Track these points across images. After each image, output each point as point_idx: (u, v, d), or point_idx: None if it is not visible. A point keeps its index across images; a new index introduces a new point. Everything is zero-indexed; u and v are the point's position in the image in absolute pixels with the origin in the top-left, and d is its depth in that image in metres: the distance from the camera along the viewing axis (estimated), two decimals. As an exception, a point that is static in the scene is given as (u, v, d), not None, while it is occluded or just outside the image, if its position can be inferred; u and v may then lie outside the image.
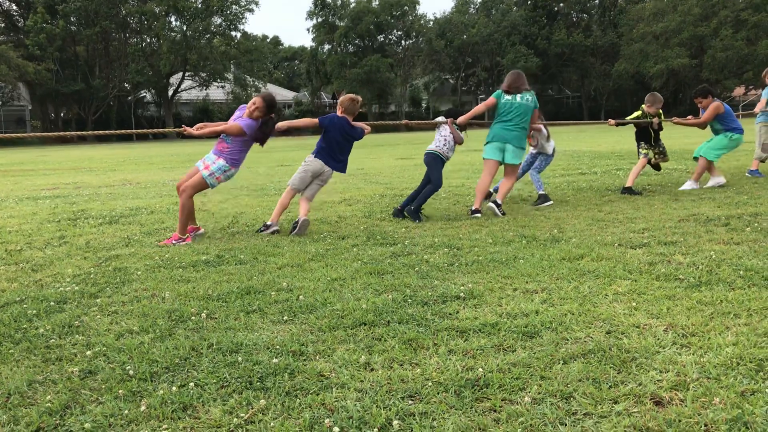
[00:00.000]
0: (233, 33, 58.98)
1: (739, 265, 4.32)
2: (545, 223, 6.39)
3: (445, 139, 7.46)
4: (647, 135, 8.85)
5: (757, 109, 10.22)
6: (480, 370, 2.78)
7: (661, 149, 8.92)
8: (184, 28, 56.37)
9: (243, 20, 59.21)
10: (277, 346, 3.15)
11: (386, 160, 17.28)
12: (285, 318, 3.60)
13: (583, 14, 69.15)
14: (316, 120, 6.71)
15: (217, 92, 61.22)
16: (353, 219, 7.16)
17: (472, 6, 69.46)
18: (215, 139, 6.43)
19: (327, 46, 65.93)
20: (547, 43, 63.76)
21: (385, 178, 11.82)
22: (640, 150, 8.88)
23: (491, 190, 8.01)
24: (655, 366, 2.77)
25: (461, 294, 3.92)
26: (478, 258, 4.89)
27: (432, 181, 7.32)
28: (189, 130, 6.30)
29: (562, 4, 67.11)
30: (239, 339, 3.26)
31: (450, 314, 3.57)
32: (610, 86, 64.57)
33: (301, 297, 3.96)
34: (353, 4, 63.44)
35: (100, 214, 8.10)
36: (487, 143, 7.43)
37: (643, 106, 8.83)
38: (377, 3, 63.49)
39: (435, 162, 7.42)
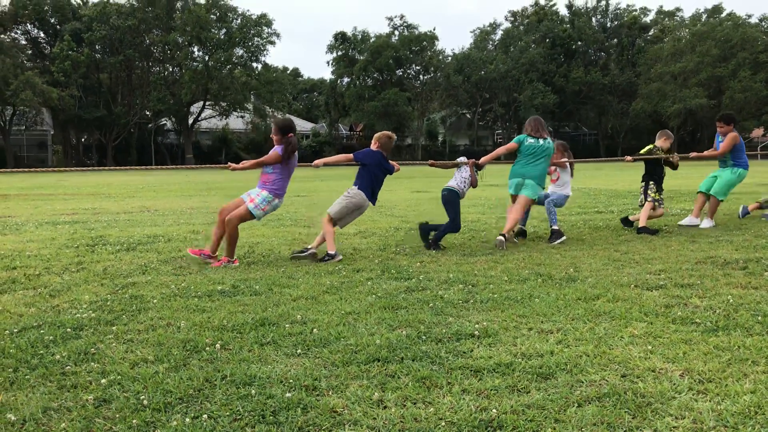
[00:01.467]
0: (254, 64, 59.91)
1: (757, 311, 4.28)
2: (561, 262, 6.37)
3: (465, 181, 7.68)
4: (659, 174, 8.78)
5: None
6: (494, 411, 2.76)
7: (660, 198, 8.83)
8: (206, 59, 57.36)
9: (264, 52, 60.10)
10: (291, 380, 3.15)
11: (402, 193, 17.33)
12: (299, 351, 3.60)
13: (601, 53, 69.62)
14: (351, 155, 7.05)
15: (236, 122, 61.97)
16: (368, 252, 7.18)
17: (490, 43, 70.18)
18: (247, 172, 6.81)
19: (346, 79, 66.78)
20: (565, 81, 64.12)
21: (401, 211, 11.85)
22: (649, 192, 8.70)
23: (521, 226, 8.23)
24: (671, 412, 2.74)
25: (476, 332, 3.91)
26: (493, 296, 4.88)
27: (451, 219, 7.50)
28: (234, 165, 6.82)
29: (580, 43, 67.59)
30: (253, 371, 3.27)
31: (464, 353, 3.56)
32: (628, 125, 64.70)
33: (315, 330, 3.97)
34: (373, 39, 64.32)
35: (118, 240, 8.18)
36: (510, 179, 7.84)
37: (655, 143, 8.87)
38: (396, 38, 64.33)
39: (454, 198, 7.59)
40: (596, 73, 64.31)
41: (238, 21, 58.12)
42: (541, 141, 7.66)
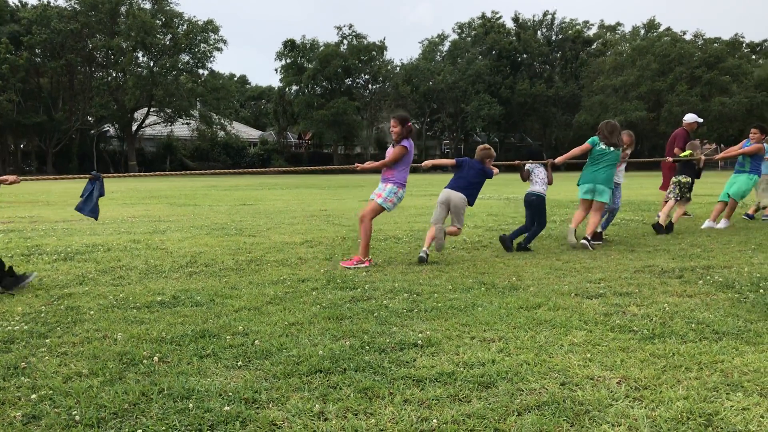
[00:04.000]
0: (200, 70, 59.08)
1: (691, 318, 4.40)
2: (504, 271, 6.44)
3: (543, 182, 8.33)
4: (692, 172, 9.90)
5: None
6: (435, 421, 2.76)
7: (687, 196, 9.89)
8: (151, 64, 56.32)
9: (211, 58, 59.20)
10: (230, 393, 3.09)
11: (350, 202, 17.32)
12: (239, 363, 3.54)
13: (546, 65, 71.06)
14: (454, 161, 7.77)
15: (181, 129, 60.98)
16: (314, 261, 7.13)
17: (438, 54, 70.88)
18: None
19: (295, 87, 66.43)
20: (511, 92, 65.24)
21: (348, 220, 11.82)
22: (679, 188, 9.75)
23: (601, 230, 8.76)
24: (608, 419, 2.78)
25: (419, 341, 3.91)
26: (437, 305, 4.90)
27: (539, 223, 8.20)
28: (362, 165, 7.33)
29: (525, 55, 68.87)
30: (191, 384, 3.19)
31: (407, 362, 3.55)
32: (571, 136, 66.07)
33: (257, 342, 3.91)
34: (322, 47, 64.22)
35: (55, 250, 7.93)
36: (580, 184, 8.45)
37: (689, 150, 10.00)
38: (345, 47, 64.39)
39: (541, 203, 8.25)
40: (541, 85, 65.61)
41: (184, 27, 57.24)
42: (611, 148, 8.21)
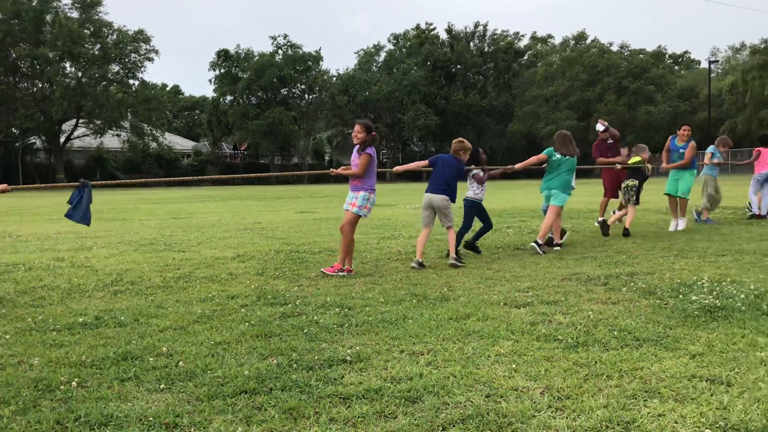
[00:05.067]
0: (131, 81, 57.69)
1: (614, 326, 4.52)
2: (436, 281, 6.49)
3: (482, 189, 8.69)
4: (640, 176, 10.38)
5: (705, 160, 12.35)
6: (359, 439, 2.74)
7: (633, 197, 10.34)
8: (80, 75, 54.68)
9: (142, 68, 57.83)
10: (150, 418, 3.00)
11: (285, 214, 17.15)
12: (162, 386, 3.44)
13: (480, 76, 72.23)
14: (426, 161, 7.97)
15: (112, 140, 59.34)
16: (245, 277, 7.01)
17: (374, 64, 71.19)
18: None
19: (229, 97, 65.61)
20: (446, 103, 66.05)
21: (283, 233, 11.69)
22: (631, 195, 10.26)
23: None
24: (530, 431, 2.82)
25: (348, 357, 3.89)
26: (369, 318, 4.89)
27: (464, 224, 8.56)
28: (336, 171, 7.71)
29: (459, 66, 69.87)
30: (110, 410, 3.09)
31: (335, 380, 3.53)
32: (505, 145, 67.38)
33: (181, 363, 3.81)
34: (256, 57, 63.69)
35: (-28, 270, 7.56)
36: (542, 191, 9.09)
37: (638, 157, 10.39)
38: (281, 57, 64.04)
39: (471, 208, 8.62)
40: (475, 95, 66.66)
41: (114, 36, 55.79)
42: (567, 156, 8.73)
